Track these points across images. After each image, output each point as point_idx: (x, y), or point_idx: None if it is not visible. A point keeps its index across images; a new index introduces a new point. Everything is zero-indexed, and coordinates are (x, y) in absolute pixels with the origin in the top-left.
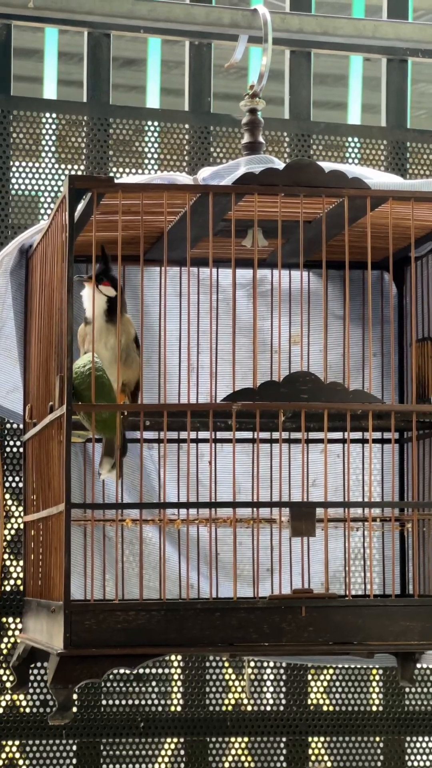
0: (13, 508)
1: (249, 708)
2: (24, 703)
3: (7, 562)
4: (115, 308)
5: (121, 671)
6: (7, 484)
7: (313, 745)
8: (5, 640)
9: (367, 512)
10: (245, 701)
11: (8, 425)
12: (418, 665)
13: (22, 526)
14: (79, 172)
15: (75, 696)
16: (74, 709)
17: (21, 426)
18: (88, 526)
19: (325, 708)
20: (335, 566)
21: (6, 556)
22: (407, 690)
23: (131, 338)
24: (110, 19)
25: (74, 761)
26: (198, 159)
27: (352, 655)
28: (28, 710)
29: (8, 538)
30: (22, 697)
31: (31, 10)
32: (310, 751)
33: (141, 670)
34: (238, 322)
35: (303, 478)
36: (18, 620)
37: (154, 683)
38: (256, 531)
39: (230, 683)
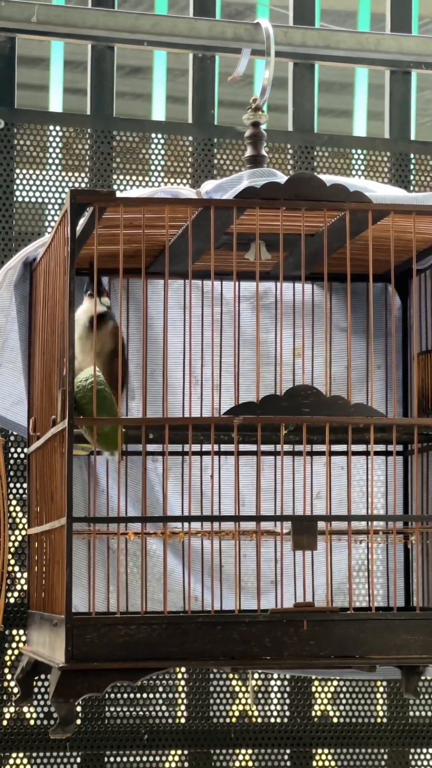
0: (21, 515)
1: (253, 720)
2: (29, 715)
3: (17, 574)
4: (103, 317)
5: (125, 684)
6: (15, 492)
7: (317, 757)
8: (11, 651)
9: (370, 525)
10: (249, 713)
11: (11, 436)
12: (423, 677)
13: (27, 537)
14: (83, 183)
15: (79, 708)
16: (78, 722)
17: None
18: (92, 539)
19: (329, 720)
20: (339, 578)
21: (12, 564)
22: (411, 702)
23: (114, 347)
24: (114, 33)
25: None
26: (201, 171)
27: (354, 668)
28: (32, 722)
29: (14, 547)
30: (26, 709)
31: (34, 24)
32: (315, 763)
33: (145, 682)
34: (242, 334)
35: (305, 492)
36: (23, 632)
37: (158, 695)
38: (259, 544)
39: (234, 695)
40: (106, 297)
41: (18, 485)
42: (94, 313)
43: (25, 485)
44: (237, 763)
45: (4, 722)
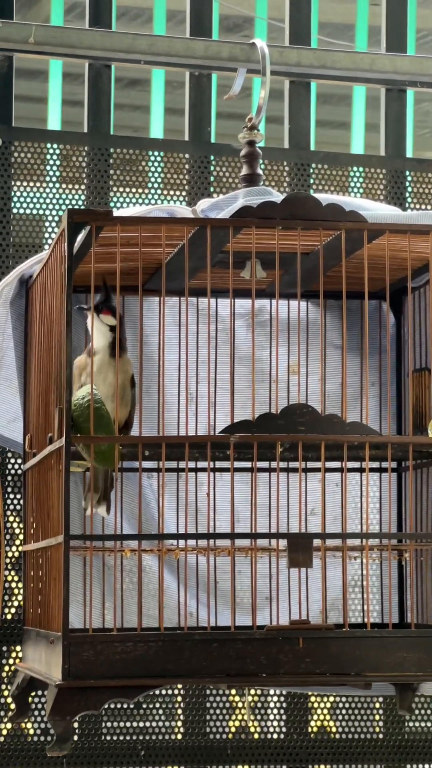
0: (18, 530)
1: (250, 735)
2: (27, 731)
3: (12, 585)
4: (120, 345)
5: (122, 702)
6: (12, 506)
7: None
8: (7, 668)
9: (365, 542)
10: (246, 729)
11: (9, 451)
12: (417, 694)
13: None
14: (81, 197)
15: (76, 725)
16: (75, 738)
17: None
18: (88, 556)
19: (326, 735)
20: (334, 595)
21: (10, 578)
22: (407, 717)
23: (128, 377)
24: (110, 54)
25: None
26: (198, 188)
27: (350, 686)
28: (29, 738)
29: (11, 560)
30: (24, 725)
31: (32, 45)
32: None
33: (142, 699)
34: (238, 352)
35: (300, 509)
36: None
37: (155, 711)
38: (254, 561)
39: (232, 711)
40: (109, 315)
41: (15, 499)
42: (117, 337)
43: (21, 499)
44: None
45: (1, 738)
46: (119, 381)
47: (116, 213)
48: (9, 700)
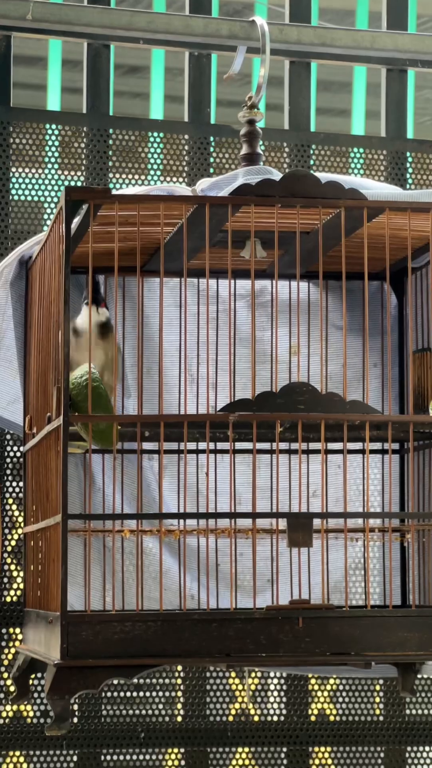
0: (20, 518)
1: (250, 718)
2: (27, 714)
3: (14, 573)
4: (107, 325)
5: (122, 682)
6: (13, 493)
7: (314, 754)
8: (7, 650)
9: (366, 523)
10: (246, 711)
11: (8, 434)
12: (419, 676)
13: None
14: (80, 182)
15: (75, 707)
16: (74, 720)
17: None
18: (88, 537)
19: (326, 718)
20: (335, 577)
21: (12, 565)
22: (408, 700)
23: (110, 358)
24: (109, 31)
25: None
26: (198, 169)
27: (350, 665)
28: (29, 720)
29: (11, 546)
30: (24, 707)
31: (30, 21)
32: (312, 761)
33: (142, 680)
34: (239, 332)
35: (300, 489)
36: (20, 631)
37: (154, 693)
38: (254, 541)
39: (232, 693)
40: (105, 308)
41: (15, 484)
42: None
43: (21, 484)
44: (234, 761)
45: (1, 721)
46: (109, 357)
47: (114, 192)
48: (9, 682)
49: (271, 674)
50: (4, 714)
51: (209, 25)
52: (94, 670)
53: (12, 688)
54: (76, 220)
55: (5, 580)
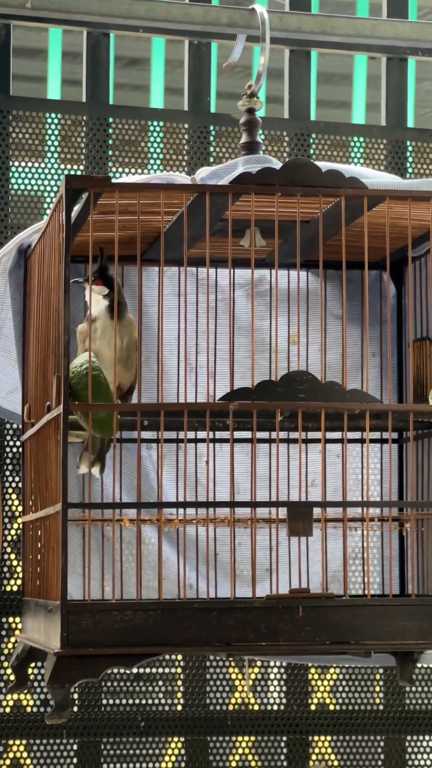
0: (20, 508)
1: (250, 707)
2: (28, 703)
3: (14, 562)
4: (119, 308)
5: (122, 671)
6: (13, 484)
7: (314, 744)
8: (8, 639)
9: (365, 512)
10: (246, 700)
11: (8, 425)
12: (418, 665)
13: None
14: (79, 173)
15: (76, 696)
16: (75, 708)
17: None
18: (87, 527)
19: (326, 707)
20: (335, 566)
21: (12, 555)
22: (408, 689)
23: (134, 340)
24: (108, 19)
25: (75, 761)
26: (198, 159)
27: (350, 654)
28: (30, 710)
29: (11, 536)
30: (24, 696)
31: (29, 10)
32: (312, 750)
33: (142, 670)
34: (238, 321)
35: (300, 479)
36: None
37: (155, 682)
38: (254, 530)
39: (232, 683)
40: (101, 285)
41: (15, 476)
42: (115, 304)
43: (21, 472)
44: (234, 751)
45: (1, 710)
46: (124, 343)
47: (115, 181)
48: (9, 671)
49: (271, 664)
50: (4, 703)
51: (209, 13)
52: (94, 659)
53: (11, 678)
54: (76, 209)
55: (5, 570)
